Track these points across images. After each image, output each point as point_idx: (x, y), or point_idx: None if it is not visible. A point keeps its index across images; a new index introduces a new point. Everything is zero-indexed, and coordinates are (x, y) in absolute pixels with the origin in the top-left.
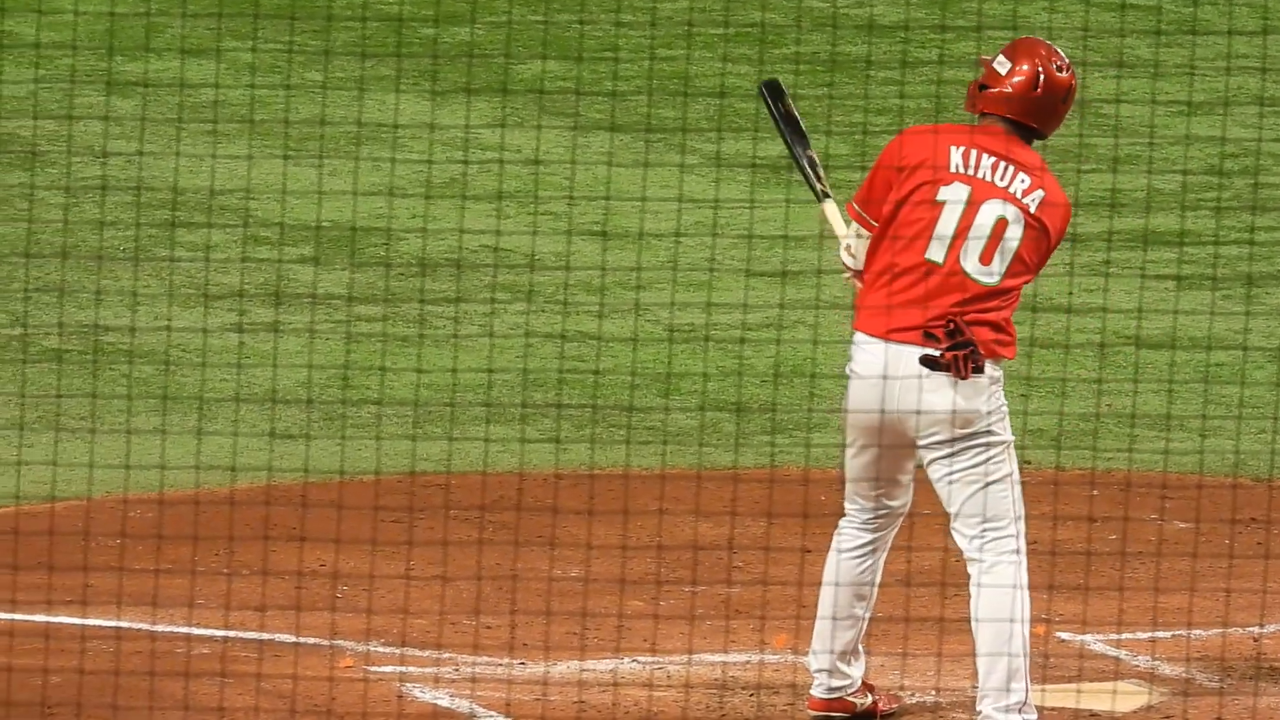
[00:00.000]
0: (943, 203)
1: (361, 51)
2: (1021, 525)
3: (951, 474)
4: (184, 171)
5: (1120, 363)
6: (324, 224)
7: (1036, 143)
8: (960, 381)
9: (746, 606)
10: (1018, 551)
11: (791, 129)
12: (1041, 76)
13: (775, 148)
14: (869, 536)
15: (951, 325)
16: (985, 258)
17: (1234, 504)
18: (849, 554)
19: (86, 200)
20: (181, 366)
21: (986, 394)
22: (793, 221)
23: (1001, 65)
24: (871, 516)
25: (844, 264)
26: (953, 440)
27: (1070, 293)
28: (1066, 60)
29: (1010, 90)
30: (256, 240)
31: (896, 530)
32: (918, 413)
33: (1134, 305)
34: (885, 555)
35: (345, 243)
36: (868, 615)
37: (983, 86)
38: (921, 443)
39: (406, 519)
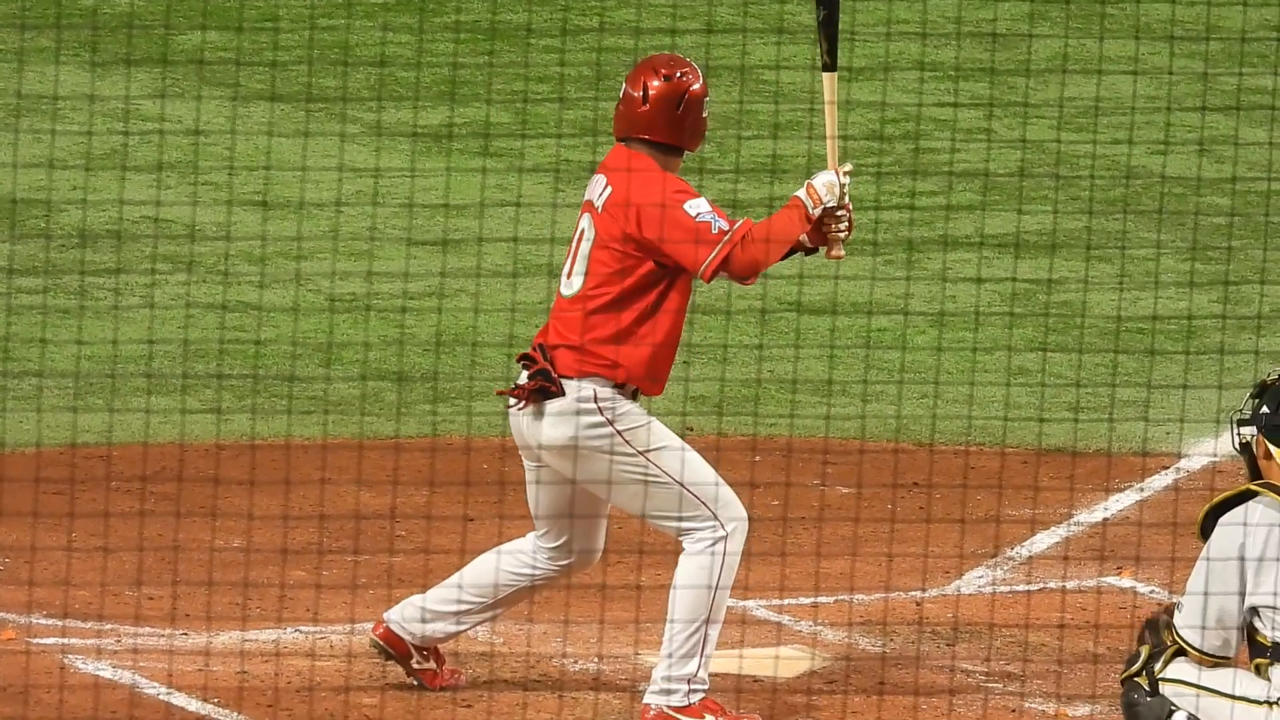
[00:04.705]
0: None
1: (21, 23)
2: (699, 520)
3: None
4: None
5: (782, 328)
6: None
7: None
8: (539, 409)
9: (409, 575)
10: (705, 542)
11: None
12: (637, 93)
13: (435, 116)
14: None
15: (534, 351)
16: (570, 271)
17: (895, 469)
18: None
19: None
20: None
21: (573, 421)
22: (453, 190)
23: (623, 89)
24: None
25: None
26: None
27: None
28: (679, 70)
29: (619, 110)
30: None
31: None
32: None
33: (795, 271)
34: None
35: (5, 215)
36: (474, 618)
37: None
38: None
39: (68, 491)
